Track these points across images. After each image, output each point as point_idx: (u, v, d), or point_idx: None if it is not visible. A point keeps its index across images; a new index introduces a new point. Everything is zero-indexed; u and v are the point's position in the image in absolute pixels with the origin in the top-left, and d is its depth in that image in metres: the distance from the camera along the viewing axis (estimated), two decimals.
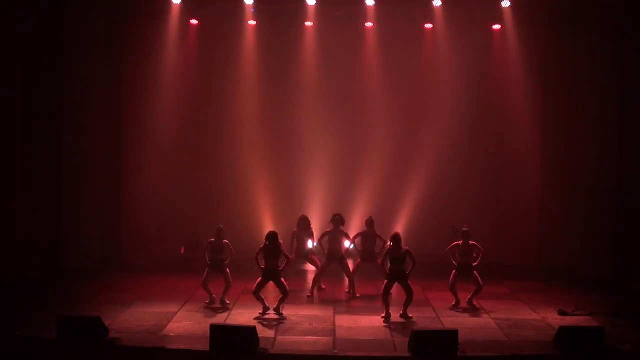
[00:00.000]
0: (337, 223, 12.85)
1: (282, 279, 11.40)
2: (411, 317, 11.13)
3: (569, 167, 15.52)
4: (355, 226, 15.24)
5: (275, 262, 11.34)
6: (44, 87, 14.27)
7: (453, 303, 11.98)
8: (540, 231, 16.22)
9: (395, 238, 11.33)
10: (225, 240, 12.00)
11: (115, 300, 12.02)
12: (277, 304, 11.42)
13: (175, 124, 16.32)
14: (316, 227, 13.58)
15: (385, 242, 12.40)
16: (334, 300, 12.51)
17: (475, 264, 11.96)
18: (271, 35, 16.33)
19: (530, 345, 9.90)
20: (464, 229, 12.16)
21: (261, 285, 11.41)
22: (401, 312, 11.22)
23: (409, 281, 11.28)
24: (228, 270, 12.00)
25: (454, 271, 11.99)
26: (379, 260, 12.69)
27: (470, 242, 12.00)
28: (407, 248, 11.37)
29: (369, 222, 12.98)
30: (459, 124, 16.25)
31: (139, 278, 13.92)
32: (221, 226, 12.11)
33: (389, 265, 11.40)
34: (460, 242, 12.02)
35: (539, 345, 9.90)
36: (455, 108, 16.24)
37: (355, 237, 13.12)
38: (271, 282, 11.40)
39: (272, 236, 11.39)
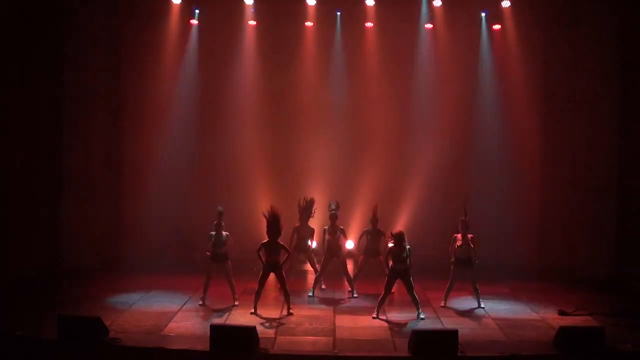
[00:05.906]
0: (333, 219, 12.89)
1: (283, 273, 11.52)
2: (423, 318, 11.14)
3: (569, 167, 15.52)
4: (357, 222, 15.24)
5: (276, 258, 11.47)
6: (44, 87, 14.24)
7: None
8: (540, 231, 16.20)
9: (398, 237, 11.28)
10: (225, 232, 12.01)
11: (115, 300, 12.02)
12: (285, 307, 11.52)
13: (175, 124, 16.31)
14: (317, 224, 13.54)
15: (388, 240, 12.36)
16: (334, 300, 12.51)
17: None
18: (271, 35, 16.34)
19: (530, 345, 9.90)
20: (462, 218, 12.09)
21: (263, 279, 11.51)
22: (417, 312, 11.26)
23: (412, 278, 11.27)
24: (229, 263, 12.00)
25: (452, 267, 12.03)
26: (381, 257, 12.72)
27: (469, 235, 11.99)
28: (408, 246, 11.30)
29: (373, 220, 13.01)
30: (459, 124, 16.24)
31: (139, 277, 13.89)
32: (219, 209, 12.11)
33: (391, 263, 11.37)
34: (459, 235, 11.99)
35: (539, 345, 9.91)
36: (455, 107, 16.23)
37: (360, 236, 13.22)
38: (272, 277, 11.59)
39: (273, 233, 11.47)
